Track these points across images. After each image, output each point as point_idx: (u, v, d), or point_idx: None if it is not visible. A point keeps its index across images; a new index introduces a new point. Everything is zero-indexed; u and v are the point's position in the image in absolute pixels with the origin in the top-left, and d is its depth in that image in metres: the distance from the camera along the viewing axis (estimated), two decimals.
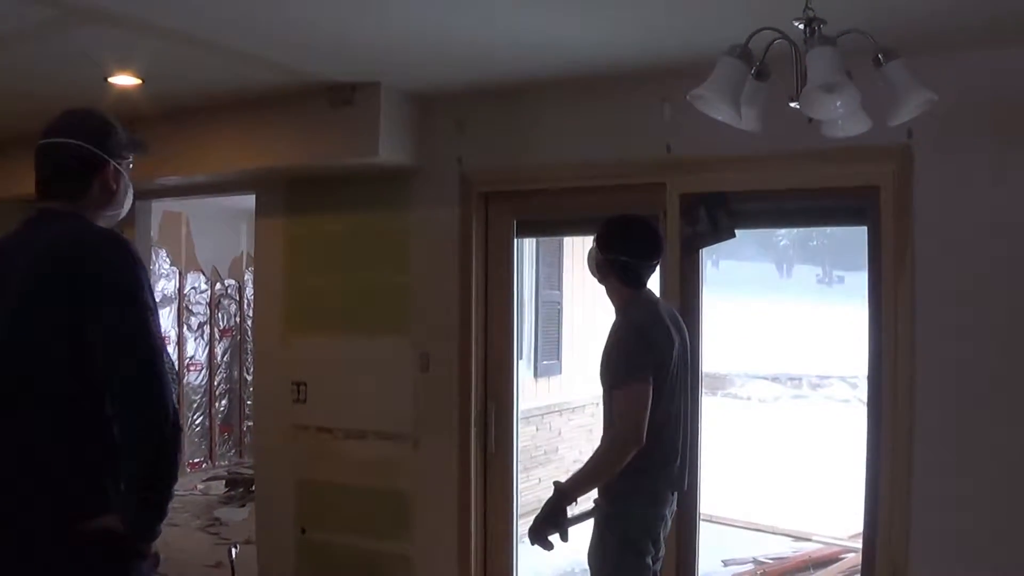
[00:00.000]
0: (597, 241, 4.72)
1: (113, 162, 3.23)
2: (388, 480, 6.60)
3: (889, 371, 5.18)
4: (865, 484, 5.39)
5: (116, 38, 5.02)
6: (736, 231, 5.71)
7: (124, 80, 5.87)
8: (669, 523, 4.75)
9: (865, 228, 5.34)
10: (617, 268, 4.63)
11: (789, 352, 23.54)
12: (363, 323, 6.68)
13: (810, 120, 3.54)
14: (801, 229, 44.30)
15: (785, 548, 9.47)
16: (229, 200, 10.66)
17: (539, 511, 4.46)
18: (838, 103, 3.38)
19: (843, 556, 8.87)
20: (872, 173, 5.19)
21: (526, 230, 6.51)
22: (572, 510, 4.50)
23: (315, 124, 6.22)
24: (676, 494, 4.74)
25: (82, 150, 3.19)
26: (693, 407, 4.93)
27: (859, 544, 8.58)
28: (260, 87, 6.11)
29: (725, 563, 8.96)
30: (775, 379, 21.58)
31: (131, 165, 3.36)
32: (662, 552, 4.73)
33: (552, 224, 6.79)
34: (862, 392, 20.07)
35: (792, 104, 3.52)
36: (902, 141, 4.92)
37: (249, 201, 7.94)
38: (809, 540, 9.43)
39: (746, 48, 3.52)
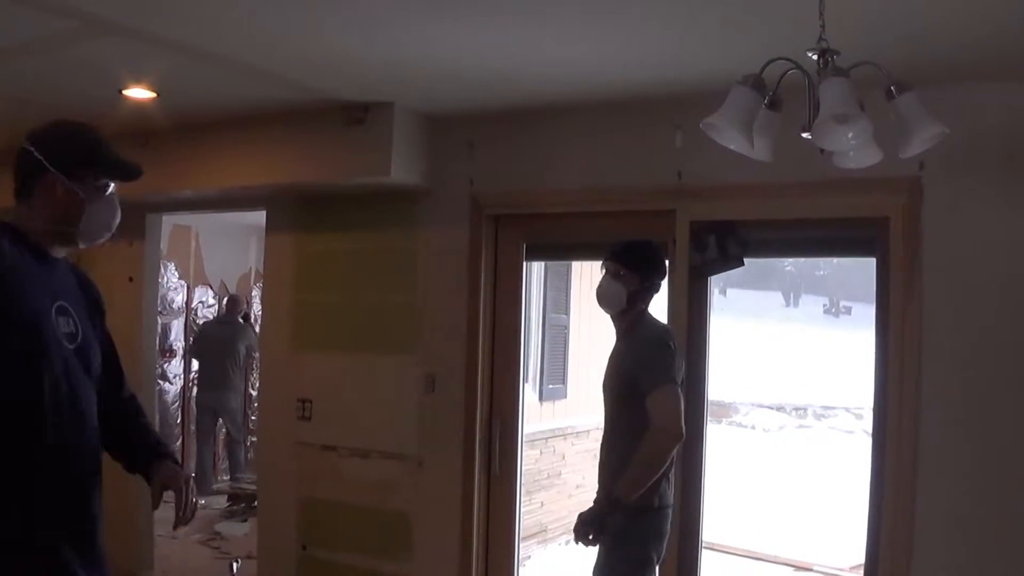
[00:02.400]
0: (632, 266, 4.89)
1: (55, 172, 3.12)
2: (391, 499, 6.59)
3: (894, 401, 5.16)
4: (868, 514, 5.36)
5: (132, 51, 5.03)
6: (745, 260, 5.70)
7: (139, 93, 5.89)
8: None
9: (873, 259, 5.35)
10: (651, 292, 4.93)
11: (795, 382, 23.48)
12: (370, 342, 6.69)
13: (822, 151, 3.53)
14: (809, 259, 44.40)
15: None
16: (238, 215, 10.68)
17: (586, 512, 4.64)
18: (850, 134, 3.37)
19: None
20: (882, 204, 5.18)
21: (535, 253, 6.51)
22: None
23: (327, 142, 6.24)
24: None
25: (29, 155, 3.14)
26: None
27: (860, 575, 8.65)
28: (274, 104, 6.14)
29: None
30: (780, 408, 21.54)
31: (108, 187, 3.28)
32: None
33: (561, 248, 6.81)
34: (867, 423, 20.05)
35: (804, 135, 3.52)
36: (913, 173, 4.91)
37: (258, 217, 7.94)
38: (810, 570, 9.39)
39: (759, 78, 3.52)
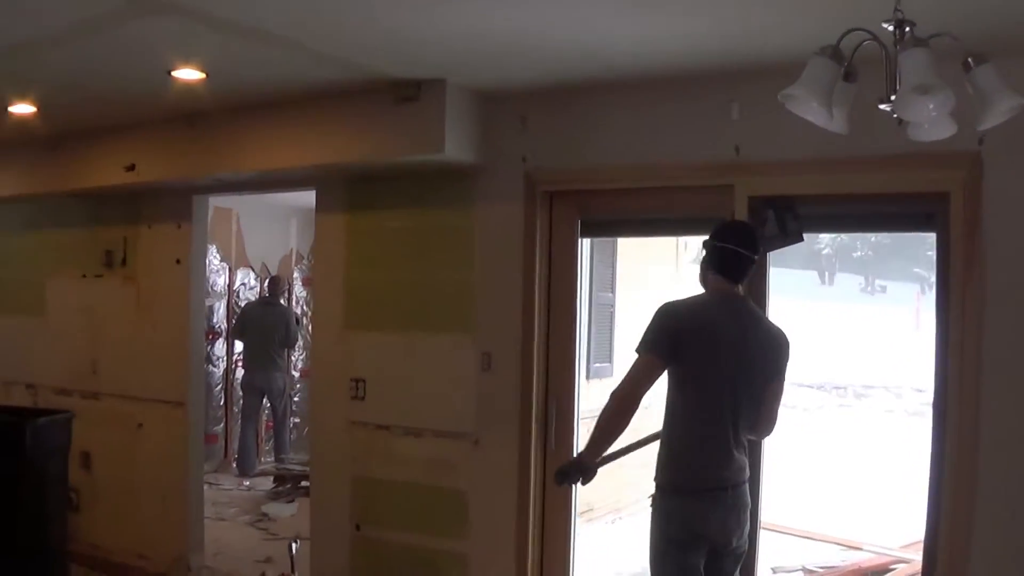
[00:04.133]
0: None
1: None
2: (447, 478, 6.59)
3: (955, 379, 5.10)
4: (927, 492, 5.29)
5: (182, 30, 5.01)
6: (804, 235, 5.66)
7: (188, 74, 5.87)
8: (733, 519, 4.82)
9: (916, 236, 5.31)
10: (713, 255, 4.93)
11: (834, 361, 23.39)
12: (424, 320, 6.67)
13: (900, 123, 3.49)
14: (844, 238, 44.27)
15: (833, 557, 9.38)
16: (279, 197, 10.72)
17: (565, 464, 5.12)
18: (931, 105, 3.33)
19: (894, 567, 8.77)
20: (942, 179, 5.12)
21: (590, 230, 6.44)
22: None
23: (379, 120, 6.22)
24: (734, 490, 4.81)
25: None
26: (758, 409, 4.92)
27: (911, 555, 8.61)
28: (324, 83, 6.11)
29: (774, 570, 8.90)
30: (820, 388, 21.47)
31: None
32: (733, 547, 4.86)
33: (617, 224, 6.75)
34: (906, 402, 19.99)
35: (882, 106, 3.49)
36: (973, 148, 4.84)
37: (298, 198, 7.95)
38: (860, 549, 9.33)
39: (837, 48, 3.49)
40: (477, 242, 6.48)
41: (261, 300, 12.68)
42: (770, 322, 5.11)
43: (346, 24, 4.92)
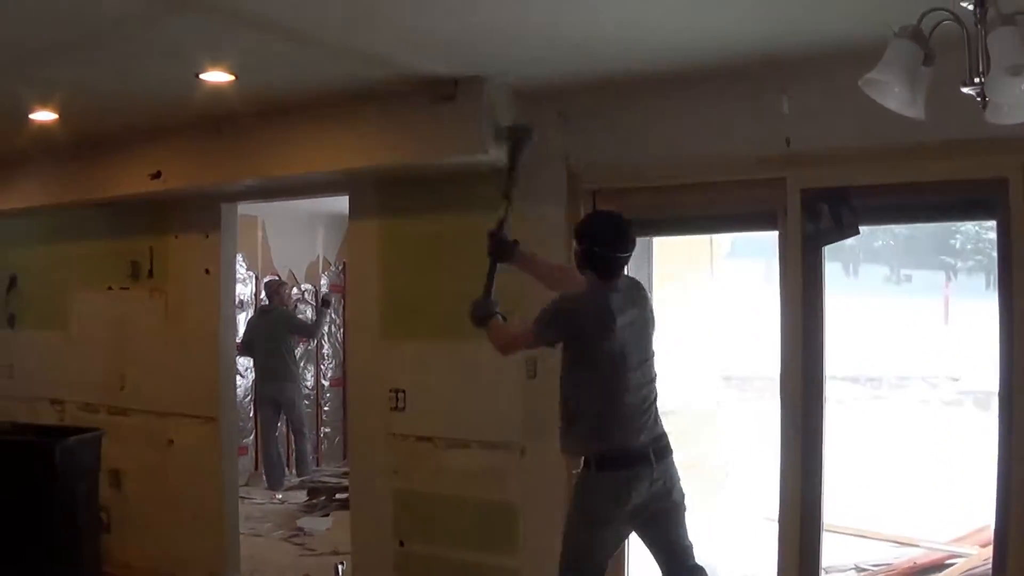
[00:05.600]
0: (575, 236, 5.37)
1: None
2: (494, 490, 6.46)
3: (1020, 368, 5.02)
4: (996, 485, 5.19)
5: (210, 31, 4.93)
6: (860, 228, 5.52)
7: (217, 76, 5.76)
8: (661, 493, 5.13)
9: (929, 228, 5.23)
10: (587, 257, 5.25)
11: (866, 353, 23.27)
12: (464, 327, 6.46)
13: (984, 106, 3.30)
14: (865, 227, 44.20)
15: (886, 554, 9.20)
16: (305, 204, 10.56)
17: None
18: (1023, 86, 3.14)
19: (950, 562, 8.58)
20: (999, 164, 5.01)
21: (637, 229, 6.21)
22: None
23: (415, 121, 6.10)
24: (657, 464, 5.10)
25: None
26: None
27: (965, 548, 8.45)
28: (357, 83, 6.00)
29: (826, 570, 8.69)
30: (854, 380, 21.34)
31: None
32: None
33: (664, 223, 6.50)
34: (943, 392, 19.80)
35: (964, 89, 3.31)
36: None
37: (324, 204, 7.82)
38: (915, 546, 9.13)
39: (919, 29, 3.30)
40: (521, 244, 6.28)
41: (260, 310, 12.40)
42: (630, 284, 5.40)
43: (381, 20, 4.80)
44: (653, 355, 5.27)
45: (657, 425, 5.18)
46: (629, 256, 5.30)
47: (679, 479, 5.20)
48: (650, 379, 5.22)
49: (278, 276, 12.89)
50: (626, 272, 5.40)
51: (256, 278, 12.58)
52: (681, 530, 5.20)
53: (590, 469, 5.13)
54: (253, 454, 12.34)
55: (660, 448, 5.13)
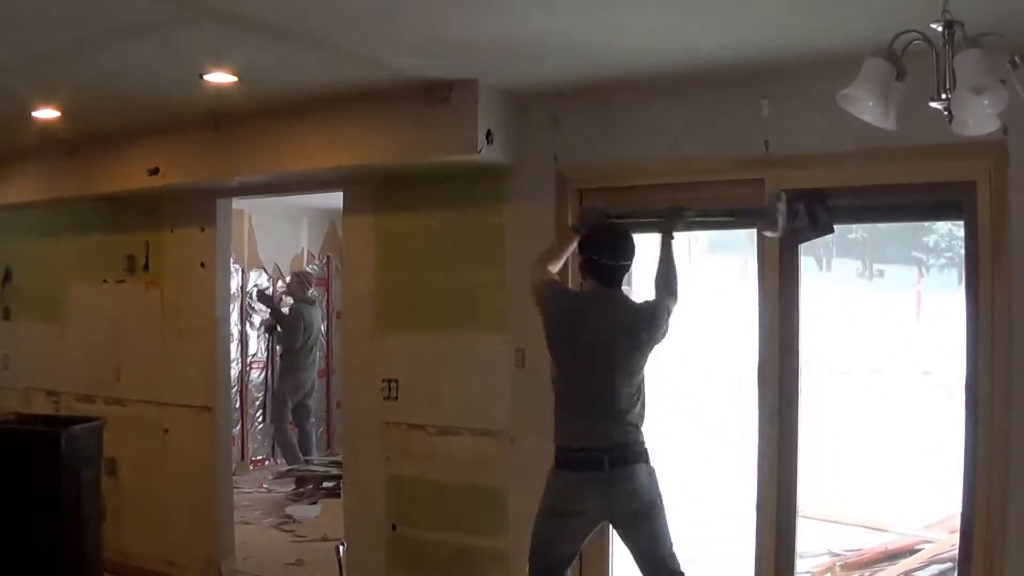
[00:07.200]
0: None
1: None
2: (484, 476, 6.65)
3: (986, 361, 5.23)
4: (963, 473, 5.40)
5: (215, 33, 5.03)
6: (835, 227, 5.74)
7: (220, 77, 5.88)
8: (623, 500, 5.25)
9: (902, 225, 5.43)
10: (587, 265, 5.47)
11: (839, 347, 23.38)
12: (456, 319, 6.72)
13: (950, 119, 3.56)
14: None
15: (858, 540, 9.40)
16: (291, 198, 10.71)
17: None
18: (986, 102, 3.41)
19: (920, 547, 8.80)
20: (968, 168, 5.24)
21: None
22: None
23: (411, 122, 6.24)
24: (612, 470, 5.19)
25: None
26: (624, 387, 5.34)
27: (935, 534, 8.67)
28: (355, 84, 6.13)
29: (800, 556, 8.90)
30: (828, 373, 21.47)
31: None
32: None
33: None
34: (914, 385, 19.86)
35: (933, 104, 3.56)
36: (998, 137, 4.87)
37: (310, 199, 7.94)
38: (886, 531, 9.35)
39: (892, 49, 3.56)
40: (508, 241, 6.54)
41: (313, 300, 12.96)
42: (633, 302, 5.55)
43: (381, 25, 4.94)
44: (637, 371, 5.34)
45: (627, 435, 5.25)
46: (628, 265, 5.47)
47: (651, 488, 5.26)
48: (616, 391, 5.26)
49: (264, 269, 13.11)
50: (650, 298, 5.54)
51: (242, 271, 12.73)
52: (652, 539, 5.27)
53: (554, 462, 5.38)
54: (240, 444, 12.50)
55: (619, 456, 5.19)
